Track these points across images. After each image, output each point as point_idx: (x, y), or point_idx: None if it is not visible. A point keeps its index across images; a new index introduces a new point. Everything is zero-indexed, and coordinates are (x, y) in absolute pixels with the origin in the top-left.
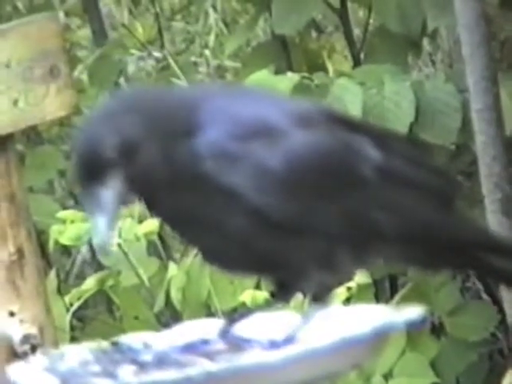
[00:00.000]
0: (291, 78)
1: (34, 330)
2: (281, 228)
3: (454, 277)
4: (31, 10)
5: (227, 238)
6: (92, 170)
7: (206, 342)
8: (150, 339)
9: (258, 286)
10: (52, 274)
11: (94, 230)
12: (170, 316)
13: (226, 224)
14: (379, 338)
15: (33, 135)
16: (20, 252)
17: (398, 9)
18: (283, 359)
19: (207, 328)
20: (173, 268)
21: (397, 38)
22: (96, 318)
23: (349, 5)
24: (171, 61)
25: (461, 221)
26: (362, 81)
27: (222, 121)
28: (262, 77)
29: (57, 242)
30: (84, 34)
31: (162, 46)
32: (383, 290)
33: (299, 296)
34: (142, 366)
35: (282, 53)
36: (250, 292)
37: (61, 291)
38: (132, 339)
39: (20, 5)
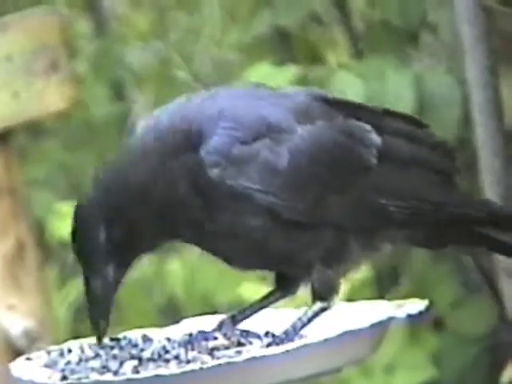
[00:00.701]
0: (291, 70)
1: (33, 324)
2: (293, 224)
3: (455, 271)
4: (32, 3)
5: (241, 240)
6: (82, 261)
7: (206, 337)
8: (150, 334)
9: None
10: (52, 267)
11: (90, 320)
12: (170, 310)
13: (240, 227)
14: (379, 333)
15: (34, 128)
16: (20, 245)
17: (399, 1)
18: (283, 354)
19: (208, 323)
20: (173, 261)
21: (397, 30)
22: None
23: None
24: (173, 53)
25: (463, 196)
26: (362, 73)
27: (223, 126)
28: (262, 69)
29: (56, 235)
30: (84, 25)
31: (164, 38)
32: (385, 284)
33: (303, 290)
34: (142, 362)
35: (283, 45)
36: (253, 285)
37: (61, 284)
38: (132, 334)
39: None
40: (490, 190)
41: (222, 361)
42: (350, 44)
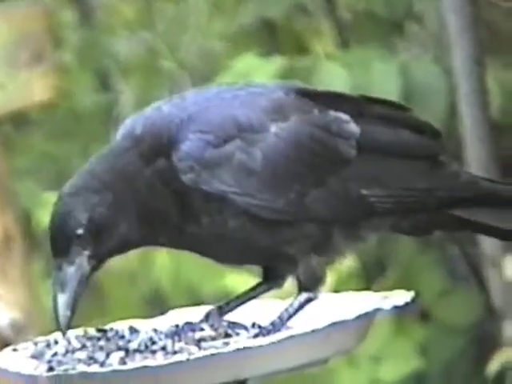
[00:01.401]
0: (277, 60)
1: (19, 315)
2: (274, 222)
3: (441, 261)
4: None
5: (225, 240)
6: (58, 246)
7: (193, 328)
8: (137, 325)
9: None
10: (38, 257)
11: (54, 307)
12: (156, 301)
13: (221, 228)
14: (366, 324)
15: (19, 119)
16: (7, 236)
17: None
18: (270, 345)
19: (194, 314)
20: (159, 253)
21: (383, 20)
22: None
23: None
24: (159, 43)
25: (451, 176)
26: (348, 63)
27: (193, 131)
28: (248, 59)
29: (43, 225)
30: (70, 15)
31: (150, 28)
32: (371, 275)
33: (289, 282)
34: (129, 353)
35: (269, 35)
36: (239, 276)
37: (48, 275)
38: (119, 326)
39: None
40: None
41: (208, 352)
42: (336, 34)
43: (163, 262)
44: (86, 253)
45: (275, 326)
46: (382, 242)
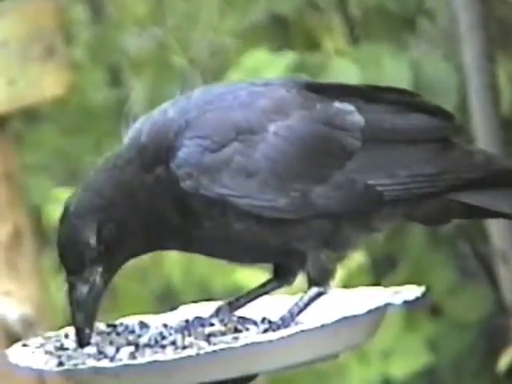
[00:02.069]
0: (288, 56)
1: (29, 310)
2: (280, 221)
3: (452, 257)
4: None
5: (232, 243)
6: (70, 267)
7: (203, 323)
8: (147, 320)
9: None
10: (49, 253)
11: (74, 325)
12: (167, 297)
13: (227, 231)
14: (376, 319)
15: (30, 114)
16: (18, 231)
17: None
18: (280, 340)
19: (205, 310)
20: None
21: (394, 16)
22: None
23: None
24: (170, 38)
25: (463, 155)
26: (359, 59)
27: (191, 137)
28: (258, 55)
29: (54, 221)
30: (81, 11)
31: (161, 23)
32: (381, 271)
33: (300, 278)
34: (139, 348)
35: (280, 31)
36: (249, 272)
37: (58, 270)
38: (129, 321)
39: None
40: None
41: (218, 347)
42: (347, 30)
43: (174, 258)
44: (99, 269)
45: (285, 321)
46: (392, 237)
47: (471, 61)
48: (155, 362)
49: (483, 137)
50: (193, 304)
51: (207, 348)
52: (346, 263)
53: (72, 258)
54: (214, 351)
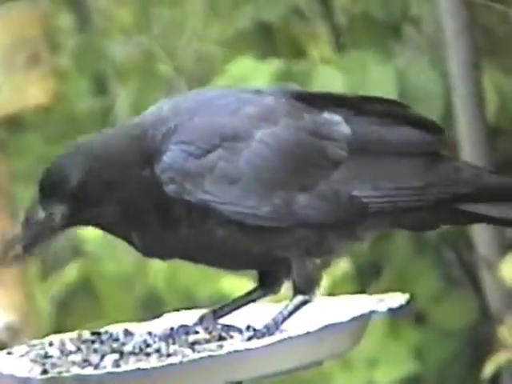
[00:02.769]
0: (274, 64)
1: (14, 318)
2: (263, 229)
3: (436, 264)
4: None
5: (214, 249)
6: (41, 189)
7: (187, 331)
8: (132, 328)
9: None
10: (34, 260)
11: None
12: (151, 304)
13: (208, 238)
14: (360, 326)
15: (15, 122)
16: (3, 239)
17: None
18: (264, 348)
19: (189, 318)
20: None
21: (379, 23)
22: (78, 305)
23: None
24: (156, 47)
25: (453, 170)
26: (345, 67)
27: (176, 142)
28: (244, 63)
29: None
30: (67, 19)
31: (147, 32)
32: (366, 279)
33: (285, 286)
34: (123, 355)
35: (266, 39)
36: (233, 280)
37: (43, 278)
38: (113, 328)
39: None
40: None
41: (202, 354)
42: (333, 38)
43: (159, 266)
44: (64, 210)
45: (269, 329)
46: (376, 244)
47: (456, 68)
48: (139, 369)
49: (469, 144)
50: (178, 312)
51: (192, 356)
52: (331, 271)
53: (48, 183)
54: (199, 359)
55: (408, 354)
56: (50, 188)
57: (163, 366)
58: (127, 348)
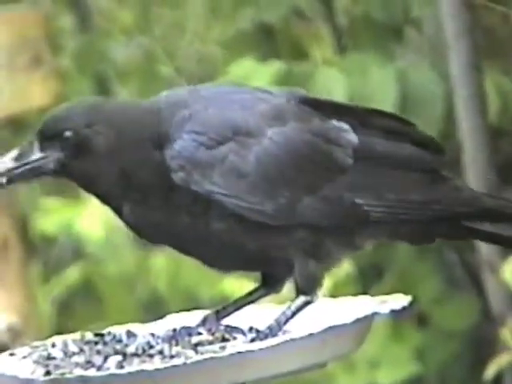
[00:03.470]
0: (275, 65)
1: (16, 319)
2: (264, 226)
3: (438, 266)
4: None
5: (210, 243)
6: (41, 130)
7: (190, 332)
8: (135, 330)
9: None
10: (36, 262)
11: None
12: (154, 305)
13: (205, 230)
14: (363, 328)
15: (17, 123)
16: (4, 241)
17: None
18: (267, 349)
19: (192, 319)
20: (157, 256)
21: (381, 25)
22: (79, 306)
23: None
24: (157, 48)
25: (453, 191)
26: (346, 68)
27: (188, 131)
28: (245, 64)
29: (41, 231)
30: (68, 20)
31: (148, 33)
32: (368, 280)
33: (287, 287)
34: (126, 357)
35: (267, 40)
36: (236, 281)
37: (45, 280)
38: (116, 330)
39: None
40: (474, 184)
41: (205, 356)
42: (334, 39)
43: (161, 267)
44: (58, 154)
45: (272, 330)
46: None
47: (458, 70)
48: (143, 371)
49: (471, 146)
50: (180, 313)
51: (194, 357)
52: (333, 273)
53: (50, 127)
54: (202, 360)
55: (410, 356)
56: (50, 131)
57: (166, 368)
58: (130, 349)
